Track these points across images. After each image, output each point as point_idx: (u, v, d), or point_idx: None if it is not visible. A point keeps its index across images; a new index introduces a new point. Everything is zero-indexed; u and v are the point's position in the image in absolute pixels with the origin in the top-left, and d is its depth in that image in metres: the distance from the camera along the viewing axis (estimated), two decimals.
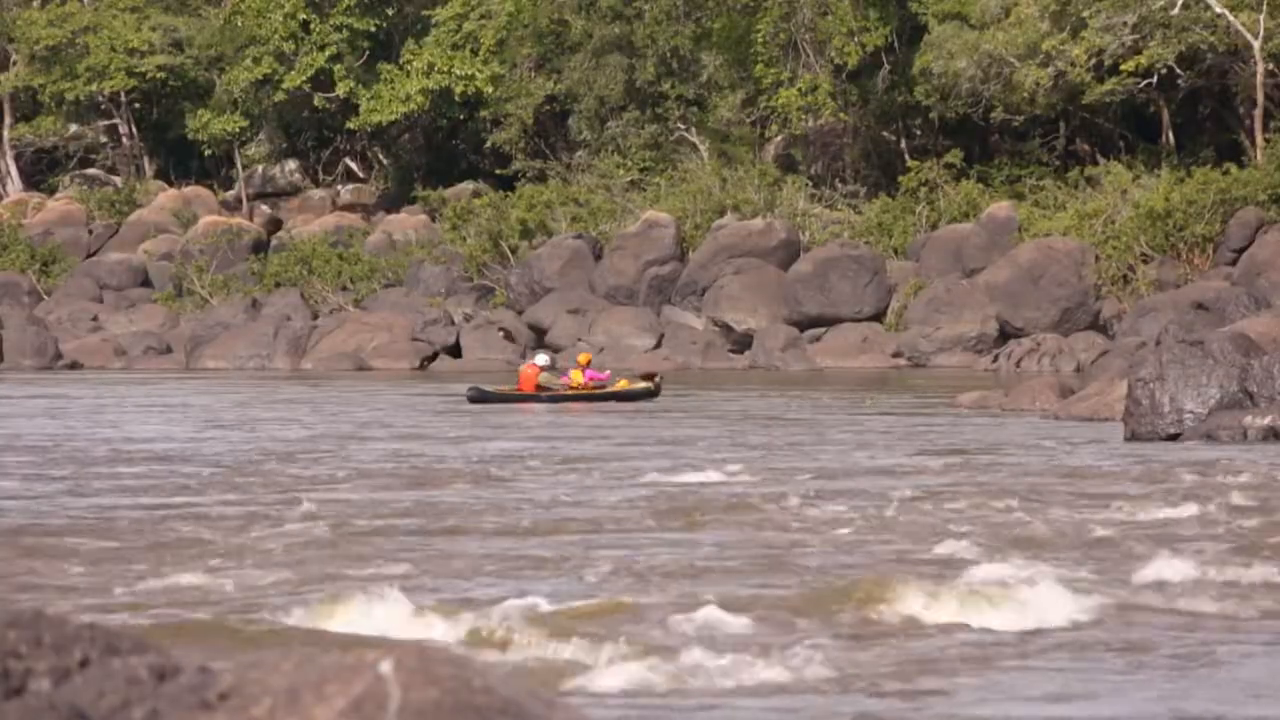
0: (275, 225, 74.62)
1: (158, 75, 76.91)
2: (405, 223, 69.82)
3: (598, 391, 35.31)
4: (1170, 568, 11.92)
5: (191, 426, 28.30)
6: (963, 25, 60.00)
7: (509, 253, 59.56)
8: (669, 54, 67.90)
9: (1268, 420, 22.32)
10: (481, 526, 14.87)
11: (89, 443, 24.57)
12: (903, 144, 64.23)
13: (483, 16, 73.06)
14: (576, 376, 35.67)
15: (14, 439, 25.22)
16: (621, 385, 35.54)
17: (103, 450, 23.26)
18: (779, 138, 66.45)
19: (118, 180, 78.61)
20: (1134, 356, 35.74)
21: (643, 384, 35.70)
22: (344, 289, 61.76)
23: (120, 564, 12.77)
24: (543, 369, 35.48)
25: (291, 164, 79.14)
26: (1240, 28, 55.61)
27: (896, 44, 62.74)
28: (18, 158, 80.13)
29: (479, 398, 34.51)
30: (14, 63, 79.23)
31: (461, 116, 73.85)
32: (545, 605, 10.40)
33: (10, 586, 11.88)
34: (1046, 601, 10.52)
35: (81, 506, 16.56)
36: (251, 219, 73.93)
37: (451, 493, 17.56)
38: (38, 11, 79.14)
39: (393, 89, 72.76)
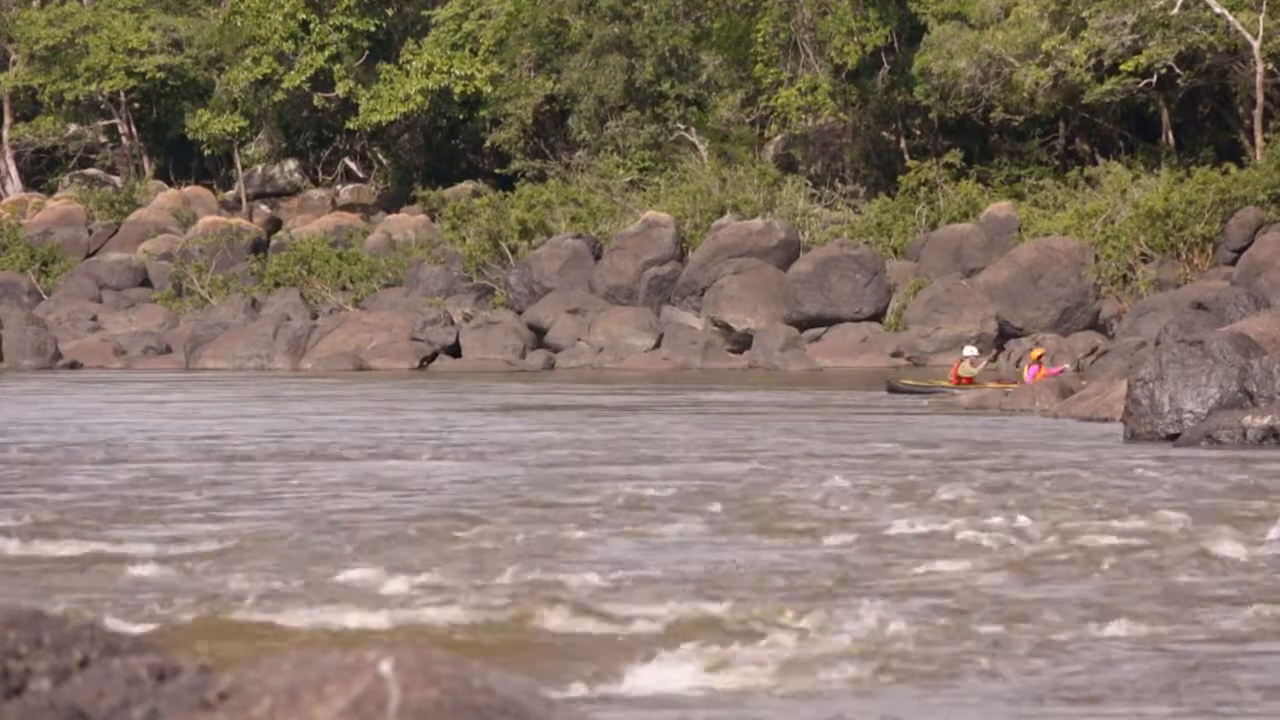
0: (275, 225, 74.64)
1: (157, 75, 76.94)
2: (405, 223, 69.82)
3: None
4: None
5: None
6: (963, 25, 60.02)
7: (508, 253, 59.55)
8: (668, 54, 67.92)
9: (1267, 420, 22.30)
10: None
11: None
12: (902, 144, 64.25)
13: (482, 16, 73.08)
14: (1024, 374, 36.52)
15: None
16: None
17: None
18: (779, 138, 66.46)
19: (117, 180, 78.65)
20: (1134, 356, 35.75)
21: None
22: (344, 289, 61.76)
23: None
24: (962, 360, 37.48)
25: (291, 164, 79.18)
26: (1240, 28, 55.63)
27: (896, 44, 62.76)
28: (17, 158, 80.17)
29: (896, 389, 36.44)
30: (14, 63, 79.27)
31: (461, 116, 73.86)
32: None
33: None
34: None
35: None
36: (251, 219, 73.94)
37: None
38: (38, 11, 79.17)
39: (392, 89, 72.77)
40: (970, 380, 36.51)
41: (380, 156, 78.71)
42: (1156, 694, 8.75)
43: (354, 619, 10.39)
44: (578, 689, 8.74)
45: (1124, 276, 51.94)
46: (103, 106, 78.86)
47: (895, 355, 51.34)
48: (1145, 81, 57.31)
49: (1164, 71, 56.92)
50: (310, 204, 77.62)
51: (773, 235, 55.84)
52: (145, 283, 67.93)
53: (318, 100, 73.89)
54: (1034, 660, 9.44)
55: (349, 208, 76.44)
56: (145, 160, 79.34)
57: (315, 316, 57.58)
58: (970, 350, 38.72)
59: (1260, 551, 13.04)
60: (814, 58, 63.02)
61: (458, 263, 60.69)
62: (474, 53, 72.73)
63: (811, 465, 20.32)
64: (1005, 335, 51.06)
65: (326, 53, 73.06)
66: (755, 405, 33.67)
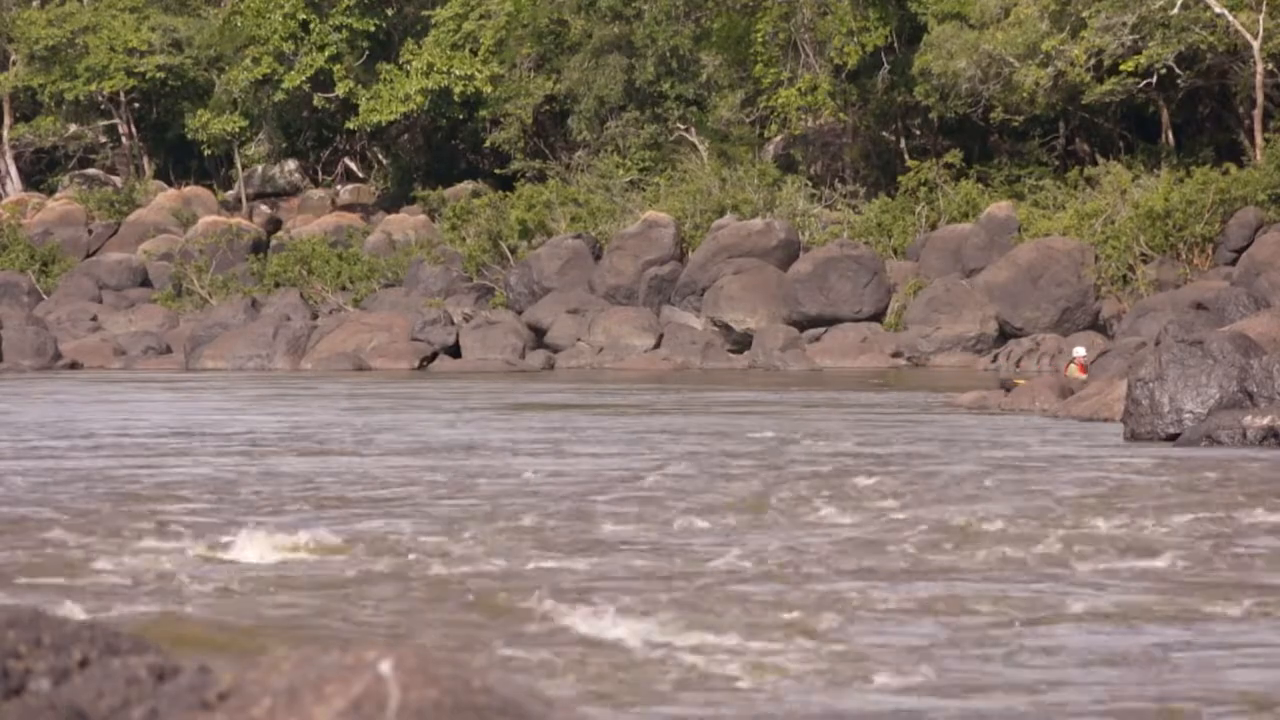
0: (275, 225, 74.66)
1: (157, 75, 76.98)
2: (405, 223, 69.85)
3: None
4: None
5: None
6: (962, 25, 60.03)
7: (508, 253, 59.56)
8: (669, 54, 67.93)
9: (1267, 420, 22.29)
10: None
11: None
12: (902, 144, 64.26)
13: (482, 16, 73.08)
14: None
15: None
16: None
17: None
18: (779, 138, 66.46)
19: (117, 180, 78.67)
20: (1134, 356, 35.74)
21: None
22: (343, 289, 61.76)
23: None
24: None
25: (291, 164, 79.21)
26: (1240, 28, 55.64)
27: (896, 44, 62.76)
28: (17, 158, 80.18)
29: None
30: (14, 63, 79.28)
31: (461, 116, 73.86)
32: None
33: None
34: None
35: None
36: (251, 219, 73.97)
37: None
38: (37, 11, 79.19)
39: (392, 89, 72.77)
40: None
41: (380, 156, 78.73)
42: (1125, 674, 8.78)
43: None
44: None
45: (1124, 276, 51.94)
46: (103, 106, 78.88)
47: (895, 355, 51.33)
48: (1145, 81, 57.32)
49: (1164, 71, 56.92)
50: (310, 204, 77.65)
51: (773, 235, 55.83)
52: (145, 283, 67.93)
53: (318, 100, 73.89)
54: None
55: (349, 208, 76.46)
56: (145, 160, 79.37)
57: (315, 317, 57.59)
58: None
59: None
60: (814, 58, 63.03)
61: (458, 263, 60.69)
62: (474, 53, 72.73)
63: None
64: (1005, 335, 51.06)
65: (326, 53, 73.07)
66: (846, 405, 33.50)
